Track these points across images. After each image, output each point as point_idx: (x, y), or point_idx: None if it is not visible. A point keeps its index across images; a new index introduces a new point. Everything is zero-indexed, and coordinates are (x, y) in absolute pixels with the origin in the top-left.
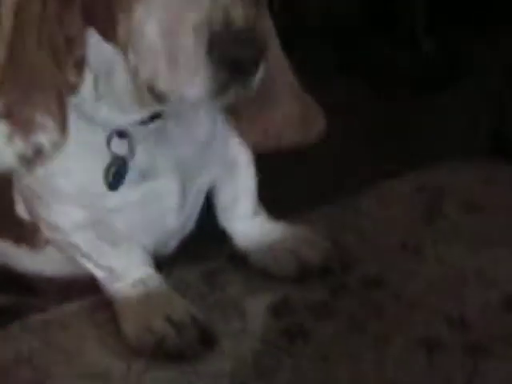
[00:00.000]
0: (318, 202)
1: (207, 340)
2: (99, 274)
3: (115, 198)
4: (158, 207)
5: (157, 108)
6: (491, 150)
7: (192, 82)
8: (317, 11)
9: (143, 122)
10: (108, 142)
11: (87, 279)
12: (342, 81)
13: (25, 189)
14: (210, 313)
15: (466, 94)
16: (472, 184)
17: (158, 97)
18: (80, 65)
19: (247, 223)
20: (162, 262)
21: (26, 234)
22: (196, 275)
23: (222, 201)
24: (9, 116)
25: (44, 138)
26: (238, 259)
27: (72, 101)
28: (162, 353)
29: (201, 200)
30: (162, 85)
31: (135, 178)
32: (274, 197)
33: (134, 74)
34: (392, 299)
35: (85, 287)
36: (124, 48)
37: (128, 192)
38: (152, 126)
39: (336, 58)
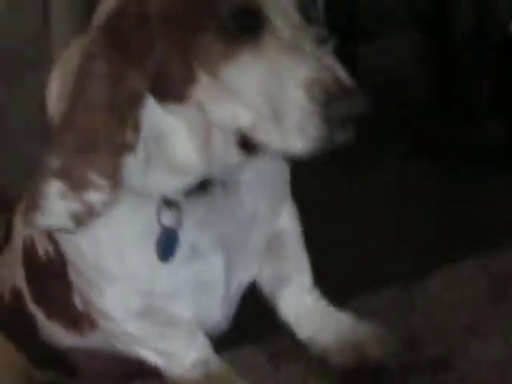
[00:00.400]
0: (378, 284)
1: None
2: (157, 359)
3: (167, 280)
4: (207, 287)
5: (207, 174)
6: None
7: (301, 137)
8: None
9: (191, 191)
10: (158, 214)
11: (127, 365)
12: (413, 161)
13: (79, 278)
14: None
15: None
16: None
17: (250, 148)
18: (137, 126)
19: (303, 304)
20: (218, 343)
21: (76, 321)
22: (260, 355)
23: (269, 276)
24: (64, 174)
25: (97, 197)
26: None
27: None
28: None
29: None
30: (260, 137)
31: (186, 251)
32: (330, 280)
33: (221, 123)
34: (459, 382)
35: (124, 373)
36: (200, 105)
37: (178, 270)
38: (200, 196)
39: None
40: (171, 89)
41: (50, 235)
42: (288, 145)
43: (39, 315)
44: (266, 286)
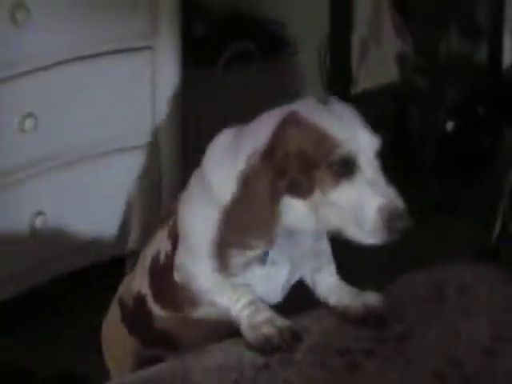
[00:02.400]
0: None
1: (297, 337)
2: (225, 302)
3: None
4: (269, 285)
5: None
6: None
7: (372, 237)
8: None
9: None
10: None
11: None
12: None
13: (188, 254)
14: None
15: None
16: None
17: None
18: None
19: (331, 283)
20: None
21: (179, 303)
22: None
23: (311, 269)
24: (238, 245)
25: (257, 253)
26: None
27: None
28: (269, 348)
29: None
30: (347, 232)
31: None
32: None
33: (323, 221)
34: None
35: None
36: (316, 209)
37: (261, 269)
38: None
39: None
40: (299, 193)
41: (172, 236)
42: (364, 240)
43: (156, 309)
44: (308, 279)
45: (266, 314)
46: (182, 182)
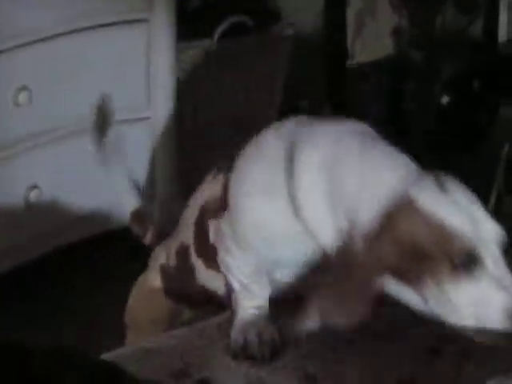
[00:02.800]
0: None
1: (275, 353)
2: (240, 291)
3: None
4: None
5: None
6: None
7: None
8: None
9: None
10: None
11: None
12: None
13: (228, 231)
14: None
15: None
16: None
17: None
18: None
19: None
20: None
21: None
22: None
23: None
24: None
25: None
26: None
27: None
28: (243, 355)
29: None
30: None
31: None
32: None
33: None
34: None
35: None
36: (424, 299)
37: None
38: None
39: None
40: (403, 281)
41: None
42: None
43: (198, 264)
44: None
45: (261, 322)
46: (176, 156)
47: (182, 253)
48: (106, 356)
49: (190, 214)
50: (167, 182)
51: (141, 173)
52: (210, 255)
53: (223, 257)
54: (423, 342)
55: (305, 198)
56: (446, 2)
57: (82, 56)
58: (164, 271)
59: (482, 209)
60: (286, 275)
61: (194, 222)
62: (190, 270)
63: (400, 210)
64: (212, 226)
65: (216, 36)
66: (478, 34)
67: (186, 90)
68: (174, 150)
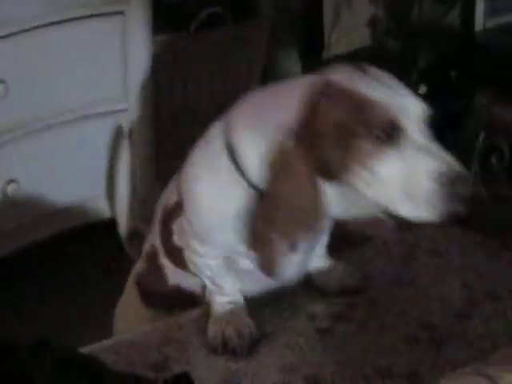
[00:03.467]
0: None
1: (254, 345)
2: (211, 286)
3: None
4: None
5: None
6: None
7: (430, 210)
8: None
9: None
10: None
11: None
12: None
13: (187, 229)
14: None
15: None
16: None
17: (393, 217)
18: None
19: (320, 260)
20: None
21: (179, 257)
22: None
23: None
24: (285, 240)
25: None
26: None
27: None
28: (223, 350)
29: None
30: (398, 209)
31: None
32: None
33: (364, 198)
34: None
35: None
36: (350, 184)
37: None
38: None
39: None
40: (331, 173)
41: (179, 203)
42: (419, 216)
43: (168, 265)
44: None
45: (237, 316)
46: (154, 147)
47: (152, 255)
48: (86, 348)
49: (156, 217)
50: (145, 173)
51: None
52: (176, 255)
53: (189, 256)
54: (399, 330)
55: (241, 150)
56: None
57: (58, 49)
58: (138, 279)
59: (405, 87)
60: (247, 264)
61: (159, 225)
62: (160, 271)
63: (321, 96)
64: (175, 227)
65: (192, 28)
66: (454, 24)
67: (163, 82)
68: (151, 141)
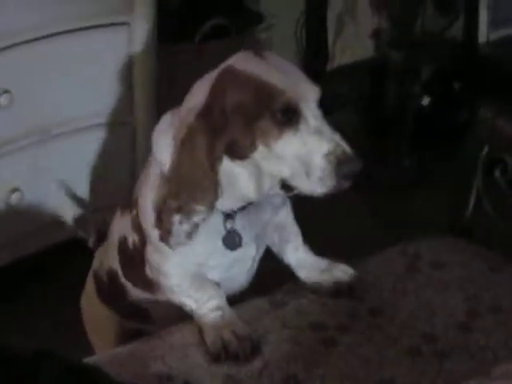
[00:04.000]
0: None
1: (255, 348)
2: (191, 304)
3: (219, 258)
4: (239, 267)
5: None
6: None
7: (322, 185)
8: None
9: (240, 209)
10: (224, 222)
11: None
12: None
13: (154, 252)
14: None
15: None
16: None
17: (287, 189)
18: (218, 173)
19: (298, 255)
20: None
21: (149, 285)
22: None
23: (277, 242)
24: (180, 209)
25: (199, 218)
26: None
27: None
28: (226, 355)
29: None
30: (296, 184)
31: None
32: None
33: (270, 174)
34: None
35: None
36: (256, 162)
37: (227, 253)
38: (244, 211)
39: None
40: (239, 153)
41: (137, 229)
42: (313, 190)
43: (128, 285)
44: (275, 248)
45: (230, 320)
46: None
47: (111, 275)
48: (89, 359)
49: (112, 243)
50: None
51: (123, 175)
52: (137, 279)
53: (166, 284)
54: (402, 342)
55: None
56: (425, 3)
57: (63, 59)
58: (96, 276)
59: (300, 72)
60: (214, 275)
61: (117, 253)
62: (121, 289)
63: (223, 79)
64: (147, 268)
65: (197, 38)
66: (457, 35)
67: (168, 92)
68: None
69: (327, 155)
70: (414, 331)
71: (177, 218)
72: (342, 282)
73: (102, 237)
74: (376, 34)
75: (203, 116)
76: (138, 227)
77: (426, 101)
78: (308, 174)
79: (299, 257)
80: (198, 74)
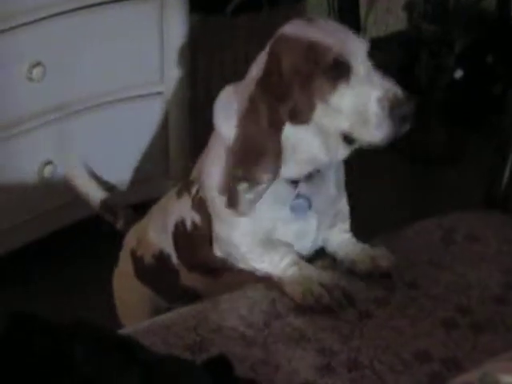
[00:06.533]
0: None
1: (349, 297)
2: (266, 267)
3: (284, 226)
4: (302, 240)
5: (319, 165)
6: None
7: (379, 132)
8: None
9: (306, 176)
10: (294, 188)
11: None
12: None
13: (221, 225)
14: None
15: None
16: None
17: (350, 142)
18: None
19: (343, 238)
20: None
21: (213, 269)
22: None
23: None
24: (245, 178)
25: (264, 186)
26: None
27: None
28: (319, 307)
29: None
30: (356, 135)
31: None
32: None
33: (332, 130)
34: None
35: None
36: (318, 122)
37: (291, 222)
38: (310, 179)
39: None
40: (301, 116)
41: (198, 208)
42: (372, 138)
43: (182, 269)
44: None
45: (312, 272)
46: (189, 131)
47: (162, 258)
48: (123, 330)
49: (167, 222)
50: (181, 156)
51: (154, 148)
52: (193, 263)
53: (237, 253)
54: (438, 315)
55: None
56: None
57: (95, 32)
58: (134, 256)
59: (348, 30)
60: (282, 233)
61: (172, 236)
62: (172, 272)
63: (276, 46)
64: (214, 246)
65: (228, 11)
66: (490, 7)
67: (200, 63)
68: (187, 123)
69: (379, 101)
70: (450, 304)
71: (243, 186)
72: (379, 264)
73: (130, 219)
74: (409, 7)
75: (263, 84)
76: (199, 206)
77: (459, 74)
78: (365, 122)
79: (342, 239)
80: (231, 46)
